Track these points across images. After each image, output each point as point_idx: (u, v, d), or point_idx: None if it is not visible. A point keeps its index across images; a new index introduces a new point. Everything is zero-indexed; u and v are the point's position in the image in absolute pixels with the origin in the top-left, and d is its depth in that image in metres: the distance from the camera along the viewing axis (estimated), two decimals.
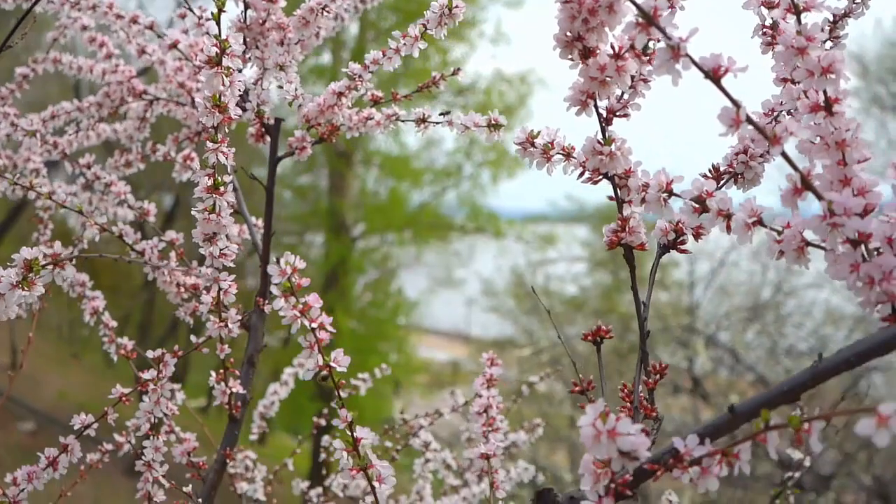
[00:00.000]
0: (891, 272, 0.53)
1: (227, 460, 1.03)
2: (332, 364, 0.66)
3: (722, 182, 0.72)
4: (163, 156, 1.23)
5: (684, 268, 7.83)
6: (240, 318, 0.94)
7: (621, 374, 6.75)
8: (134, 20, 1.14)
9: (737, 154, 0.72)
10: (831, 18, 0.75)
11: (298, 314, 0.65)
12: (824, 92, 0.56)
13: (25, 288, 0.70)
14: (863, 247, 0.55)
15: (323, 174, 11.82)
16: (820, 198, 0.53)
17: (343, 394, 0.68)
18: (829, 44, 0.76)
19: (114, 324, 1.14)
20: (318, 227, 11.66)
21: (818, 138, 0.57)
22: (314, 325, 0.65)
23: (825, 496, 5.28)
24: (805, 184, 0.53)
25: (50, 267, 0.69)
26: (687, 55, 0.52)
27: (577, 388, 0.67)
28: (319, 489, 1.42)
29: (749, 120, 0.52)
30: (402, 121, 1.02)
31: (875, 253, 0.54)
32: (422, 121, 0.99)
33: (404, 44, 0.93)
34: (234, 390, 1.01)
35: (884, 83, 8.96)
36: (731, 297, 7.15)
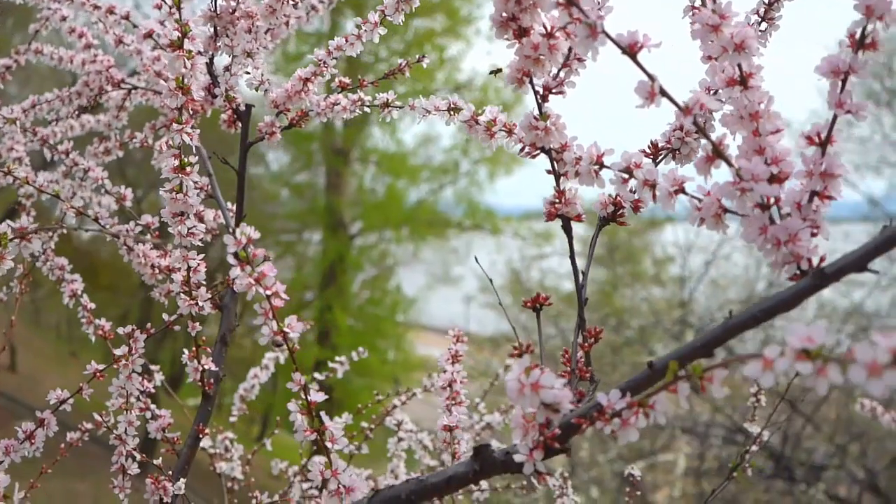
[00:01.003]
0: (796, 234, 0.56)
1: (200, 435, 1.06)
2: (287, 330, 0.70)
3: (660, 157, 0.76)
4: (140, 142, 1.26)
5: (680, 263, 7.87)
6: (210, 296, 0.98)
7: (614, 368, 6.79)
8: (110, 10, 1.17)
9: (674, 130, 0.75)
10: (766, 1, 0.79)
11: (254, 282, 0.68)
12: (739, 66, 0.59)
13: None
14: (775, 211, 0.59)
15: (320, 172, 11.86)
16: (730, 165, 0.57)
17: (293, 358, 0.72)
18: (763, 24, 0.79)
19: (92, 305, 1.17)
20: (315, 225, 11.69)
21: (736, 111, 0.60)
22: (269, 292, 0.69)
23: (816, 487, 5.32)
24: (716, 152, 0.57)
25: (17, 240, 0.72)
26: (604, 32, 0.56)
27: (516, 352, 0.71)
28: (296, 467, 1.46)
29: (663, 92, 0.56)
30: (368, 106, 1.05)
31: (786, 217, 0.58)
32: (385, 105, 1.03)
33: (365, 30, 0.96)
34: (206, 367, 1.05)
35: (878, 78, 8.98)
36: (724, 290, 7.19)
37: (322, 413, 0.71)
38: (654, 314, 7.19)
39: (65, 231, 1.02)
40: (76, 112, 1.28)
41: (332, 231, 11.22)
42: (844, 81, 0.58)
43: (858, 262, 0.53)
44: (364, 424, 1.39)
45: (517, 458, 0.60)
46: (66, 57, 1.32)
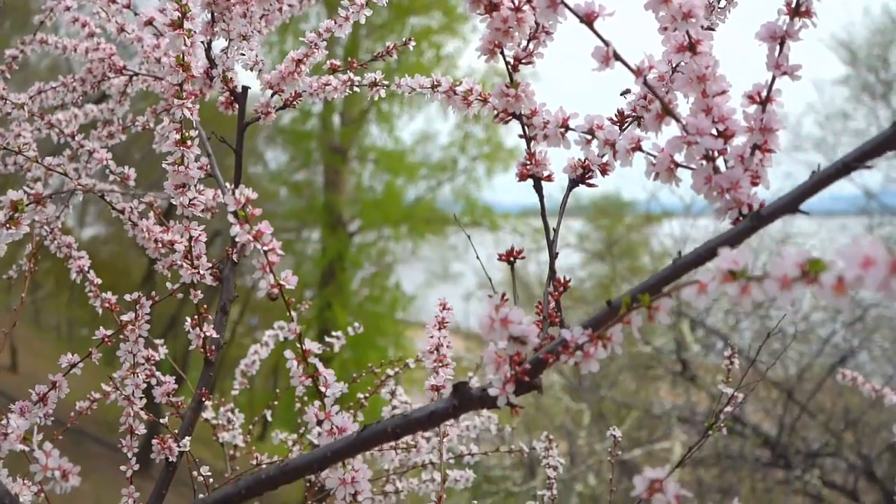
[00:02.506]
0: (738, 182, 0.62)
1: (203, 399, 1.13)
2: (283, 283, 0.76)
3: (626, 124, 0.82)
4: (142, 126, 1.33)
5: (675, 259, 7.92)
6: (210, 265, 1.04)
7: (611, 360, 6.85)
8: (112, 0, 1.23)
9: (638, 99, 0.82)
10: None
11: (252, 238, 0.75)
12: (687, 34, 0.66)
13: (12, 226, 0.80)
14: (722, 164, 0.65)
15: (318, 171, 11.92)
16: (678, 121, 0.63)
17: (293, 312, 0.78)
18: (723, 2, 0.86)
19: (98, 281, 1.23)
20: (314, 224, 11.75)
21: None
22: (266, 248, 0.75)
23: (811, 473, 5.38)
24: (666, 110, 0.63)
25: (33, 205, 0.79)
26: (563, 3, 0.62)
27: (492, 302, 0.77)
28: (295, 436, 1.52)
29: (616, 56, 0.62)
30: (358, 86, 1.11)
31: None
32: (374, 84, 1.09)
33: (352, 11, 1.03)
34: (207, 334, 1.11)
35: (873, 71, 9.02)
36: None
37: (316, 360, 0.78)
38: None
39: (79, 198, 1.08)
40: (80, 99, 1.34)
41: (330, 229, 11.28)
42: (782, 45, 0.64)
43: (791, 204, 0.59)
44: (360, 395, 1.45)
45: (491, 391, 0.67)
46: (69, 46, 1.38)
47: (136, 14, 1.21)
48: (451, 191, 12.13)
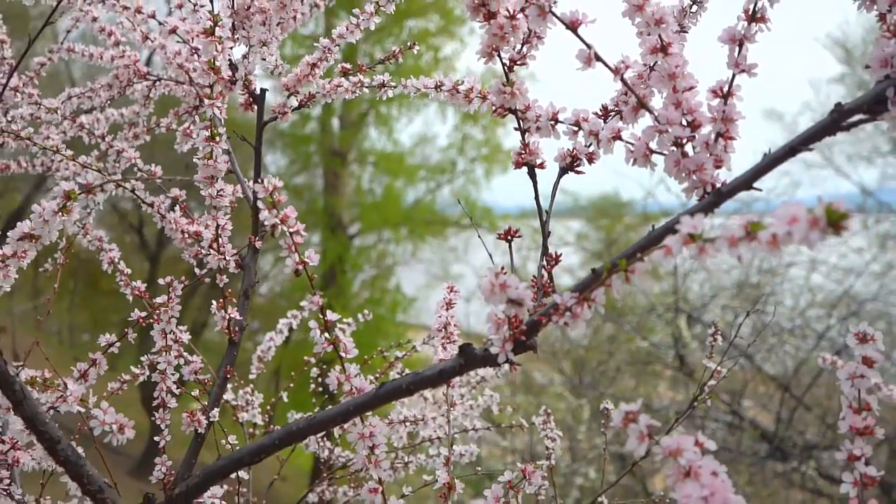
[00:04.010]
0: (703, 165, 0.73)
1: (228, 376, 1.23)
2: (306, 260, 0.86)
3: (609, 117, 0.92)
4: (165, 127, 1.43)
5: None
6: (235, 252, 1.14)
7: (611, 355, 6.96)
8: (138, 10, 1.33)
9: (620, 95, 0.92)
10: None
11: (279, 222, 0.85)
12: (660, 37, 0.76)
13: (64, 213, 0.90)
14: (689, 149, 0.75)
15: (318, 174, 12.02)
16: (651, 113, 0.73)
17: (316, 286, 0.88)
18: (694, 7, 0.96)
19: (128, 271, 1.33)
20: (314, 227, 11.84)
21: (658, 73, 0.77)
22: (292, 230, 0.85)
23: (807, 465, 5.48)
24: (640, 104, 0.73)
25: (84, 194, 0.89)
26: (551, 12, 0.72)
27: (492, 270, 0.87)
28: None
29: (597, 57, 0.72)
30: (367, 87, 1.22)
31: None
32: (382, 86, 1.20)
33: (363, 19, 1.13)
34: (232, 317, 1.21)
35: (870, 70, 9.10)
36: (716, 278, 7.36)
37: (337, 328, 0.88)
38: (650, 305, 7.37)
39: (124, 187, 1.18)
40: (107, 102, 1.44)
41: (331, 232, 11.36)
42: (741, 46, 0.74)
43: (746, 182, 0.69)
44: (370, 377, 1.54)
45: (493, 349, 0.77)
46: (96, 54, 1.48)
47: (160, 24, 1.31)
48: (450, 192, 12.22)
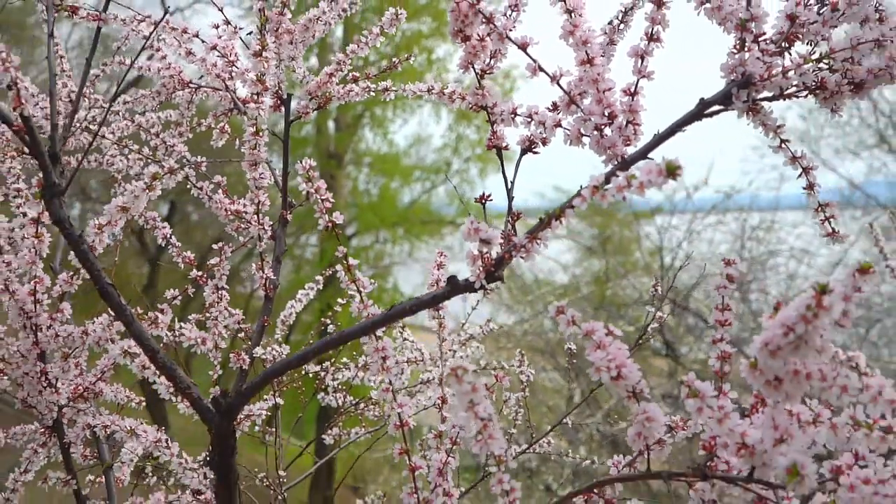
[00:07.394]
0: (615, 143, 1.03)
1: (265, 324, 1.53)
2: (334, 220, 1.17)
3: (557, 111, 1.23)
4: (206, 126, 1.74)
5: (658, 245, 8.39)
6: (272, 223, 1.45)
7: None
8: (184, 31, 1.64)
9: (563, 94, 1.22)
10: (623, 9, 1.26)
11: (314, 191, 1.16)
12: (586, 53, 1.06)
13: (150, 190, 1.20)
14: (608, 131, 1.06)
15: (315, 176, 12.30)
16: (579, 107, 1.04)
17: (341, 242, 1.19)
18: (622, 25, 1.26)
19: (179, 244, 1.64)
20: (312, 229, 12.12)
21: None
22: (323, 197, 1.16)
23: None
24: (571, 101, 1.04)
25: (168, 175, 1.19)
26: (507, 37, 1.03)
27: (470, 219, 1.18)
28: (327, 364, 1.93)
29: (540, 68, 1.03)
30: (374, 92, 1.52)
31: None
32: (386, 90, 1.50)
33: (371, 38, 1.44)
34: (268, 276, 1.51)
35: None
36: (702, 266, 7.69)
37: (354, 269, 1.18)
38: (639, 296, 7.69)
39: (184, 172, 1.48)
40: (157, 106, 1.74)
41: (328, 233, 11.59)
42: (643, 59, 1.05)
43: (642, 153, 1.00)
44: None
45: (471, 278, 1.07)
46: (145, 66, 1.78)
47: (203, 42, 1.62)
48: (445, 192, 12.50)
